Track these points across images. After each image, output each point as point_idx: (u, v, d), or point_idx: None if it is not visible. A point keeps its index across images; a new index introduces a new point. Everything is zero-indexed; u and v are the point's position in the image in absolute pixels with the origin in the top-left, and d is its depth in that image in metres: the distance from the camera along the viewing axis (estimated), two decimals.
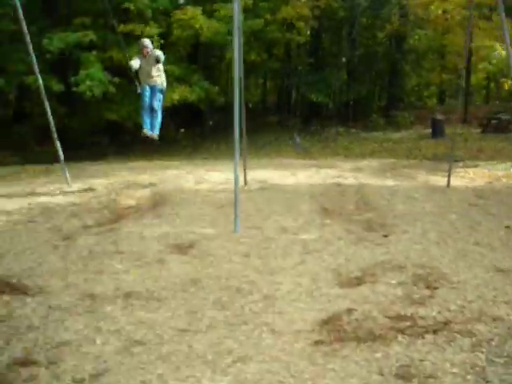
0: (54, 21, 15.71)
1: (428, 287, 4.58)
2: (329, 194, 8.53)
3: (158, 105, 8.54)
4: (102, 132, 19.11)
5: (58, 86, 15.66)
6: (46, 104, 8.76)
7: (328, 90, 20.99)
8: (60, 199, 8.28)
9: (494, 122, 20.46)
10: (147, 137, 8.47)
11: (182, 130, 20.24)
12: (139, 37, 16.06)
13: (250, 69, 19.14)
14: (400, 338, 3.64)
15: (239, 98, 8.47)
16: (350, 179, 9.92)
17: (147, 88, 8.46)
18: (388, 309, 4.14)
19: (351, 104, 24.33)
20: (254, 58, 18.02)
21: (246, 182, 9.17)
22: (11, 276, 5.16)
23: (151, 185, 9.05)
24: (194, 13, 15.69)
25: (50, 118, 8.77)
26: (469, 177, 10.55)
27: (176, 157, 16.18)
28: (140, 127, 8.59)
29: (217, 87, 18.53)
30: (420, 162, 13.76)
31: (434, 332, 3.71)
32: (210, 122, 21.70)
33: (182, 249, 5.94)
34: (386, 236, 6.24)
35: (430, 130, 20.80)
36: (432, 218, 7.00)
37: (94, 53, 15.82)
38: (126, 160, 14.73)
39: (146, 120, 8.42)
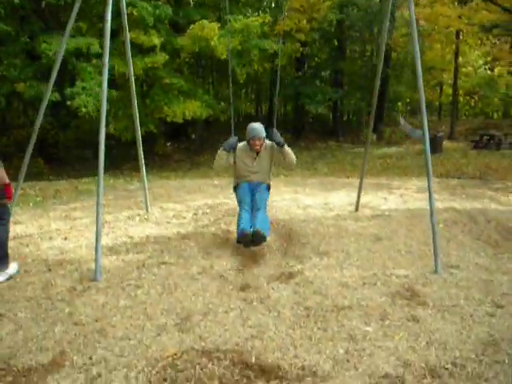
0: (46, 25, 13.65)
1: None
2: (459, 222, 7.39)
3: (264, 204, 6.00)
4: (84, 146, 17.12)
5: (53, 96, 13.68)
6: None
7: (326, 102, 19.93)
8: (162, 230, 6.66)
9: (486, 138, 20.23)
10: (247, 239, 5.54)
11: (169, 143, 18.56)
12: (141, 46, 14.43)
13: (244, 81, 17.87)
14: None
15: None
16: (445, 202, 8.81)
17: (247, 186, 6.17)
18: None
19: (339, 118, 23.44)
20: (257, 69, 16.71)
21: (357, 208, 7.86)
22: (230, 350, 3.64)
23: None
24: (211, 27, 14.17)
25: (139, 140, 7.07)
26: None
27: (191, 172, 14.63)
28: (240, 233, 5.58)
29: (222, 103, 17.12)
30: (460, 180, 12.90)
31: None
32: (193, 136, 20.22)
33: (408, 297, 4.60)
34: None
35: (420, 145, 20.44)
36: None
37: (94, 62, 13.94)
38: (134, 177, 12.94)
39: (247, 221, 5.73)
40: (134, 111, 7.01)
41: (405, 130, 17.74)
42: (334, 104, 21.82)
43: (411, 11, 5.63)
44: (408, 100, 28.13)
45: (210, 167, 16.81)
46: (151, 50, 14.61)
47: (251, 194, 6.09)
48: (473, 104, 32.67)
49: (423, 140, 5.56)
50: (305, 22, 18.38)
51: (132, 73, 6.60)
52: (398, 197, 9.40)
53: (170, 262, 5.44)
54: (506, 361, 3.64)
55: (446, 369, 3.56)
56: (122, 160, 16.76)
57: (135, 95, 6.82)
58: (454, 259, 5.70)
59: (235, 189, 6.31)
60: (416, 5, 21.16)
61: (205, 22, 14.36)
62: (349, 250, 5.85)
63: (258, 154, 6.16)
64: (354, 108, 23.08)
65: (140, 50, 14.75)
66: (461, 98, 30.10)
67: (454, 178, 13.37)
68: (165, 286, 4.79)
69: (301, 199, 8.76)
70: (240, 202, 6.03)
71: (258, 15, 16.60)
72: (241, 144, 6.21)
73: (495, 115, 33.87)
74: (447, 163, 17.19)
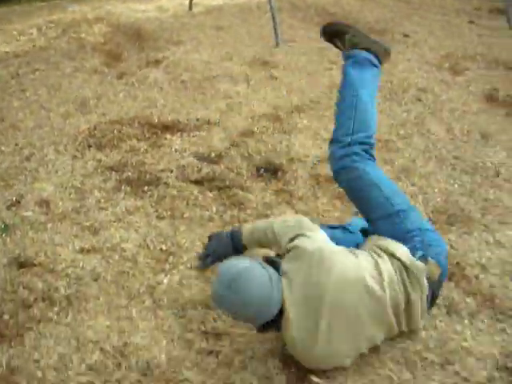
0: None
1: None
2: (283, 8, 8.25)
3: None
4: None
5: None
6: None
7: None
8: (17, 46, 6.81)
9: None
10: None
11: None
12: None
13: None
14: None
15: None
16: None
17: None
18: None
19: None
20: None
21: (191, 7, 8.43)
22: (134, 118, 4.41)
23: (98, 19, 7.79)
24: None
25: None
26: None
27: None
28: None
29: None
30: None
31: None
32: None
33: (262, 64, 5.60)
34: None
35: None
36: None
37: None
38: None
39: None
40: None
41: None
42: None
43: None
44: None
45: None
46: None
47: None
48: None
49: None
50: None
51: None
52: None
53: (41, 68, 5.77)
54: None
55: (307, 105, 4.58)
56: None
57: None
58: (289, 36, 6.62)
59: None
60: None
61: None
62: (199, 37, 6.54)
63: None
64: None
65: None
66: None
67: None
68: (49, 86, 5.22)
69: (133, 6, 9.00)
70: None
71: None
72: None
73: None
74: None
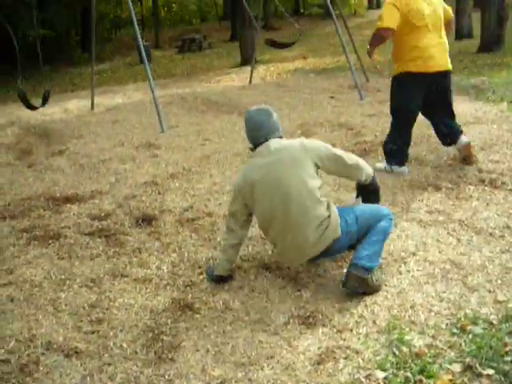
0: None
1: None
2: (174, 102, 9.79)
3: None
4: None
5: None
6: None
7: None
8: None
9: (188, 41, 23.00)
10: None
11: None
12: None
13: None
14: None
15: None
16: (164, 91, 11.13)
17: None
18: None
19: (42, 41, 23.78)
20: None
21: (92, 107, 9.79)
22: (40, 194, 5.57)
23: (11, 123, 9.01)
24: None
25: None
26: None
27: None
28: None
29: None
30: (171, 79, 15.36)
31: None
32: None
33: (148, 147, 6.88)
34: None
35: (130, 58, 22.51)
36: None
37: None
38: None
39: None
40: None
41: None
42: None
43: None
44: (112, 16, 29.55)
45: None
46: None
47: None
48: (173, 13, 35.55)
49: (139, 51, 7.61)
50: None
51: None
52: (123, 96, 11.48)
53: None
54: None
55: (180, 173, 5.87)
56: None
57: None
58: (173, 122, 8.01)
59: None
60: None
61: None
62: (97, 131, 7.83)
63: None
64: (65, 28, 23.66)
65: None
66: (162, 10, 32.53)
67: (165, 79, 15.74)
68: None
69: (41, 110, 10.23)
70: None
71: None
72: None
73: (194, 21, 37.12)
74: (158, 69, 19.51)
